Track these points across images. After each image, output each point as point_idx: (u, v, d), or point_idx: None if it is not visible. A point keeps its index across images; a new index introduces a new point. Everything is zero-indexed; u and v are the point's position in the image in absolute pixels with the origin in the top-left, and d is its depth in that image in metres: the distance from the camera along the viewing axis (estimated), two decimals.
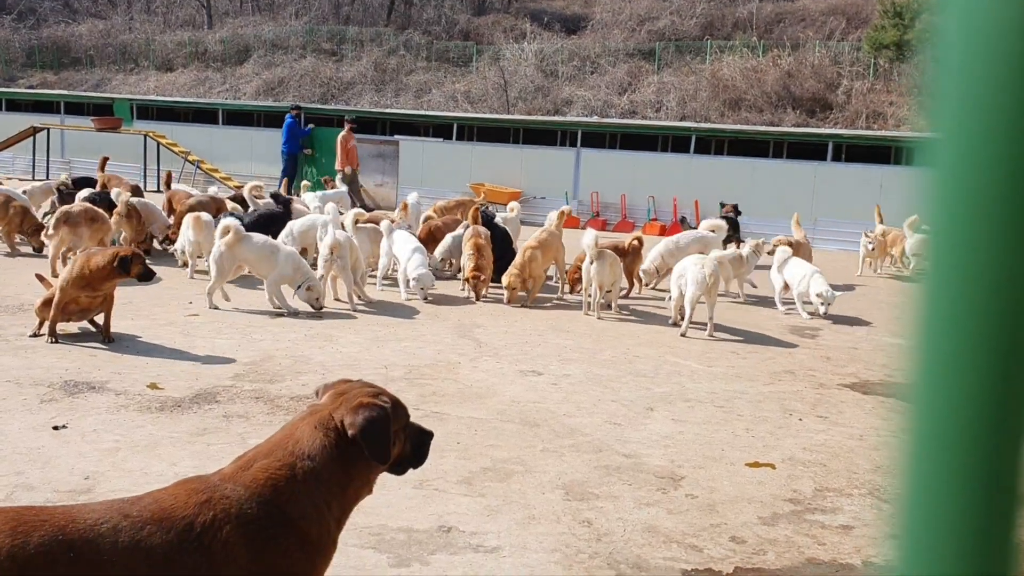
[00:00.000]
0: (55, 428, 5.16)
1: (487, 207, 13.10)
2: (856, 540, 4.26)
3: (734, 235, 15.06)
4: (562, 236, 10.86)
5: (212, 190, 14.49)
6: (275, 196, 12.89)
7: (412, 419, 2.67)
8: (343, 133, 19.70)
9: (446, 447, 5.05)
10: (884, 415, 6.45)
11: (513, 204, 14.04)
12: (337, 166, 19.44)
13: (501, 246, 10.90)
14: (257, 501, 2.23)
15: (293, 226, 10.92)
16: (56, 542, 1.98)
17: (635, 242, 10.87)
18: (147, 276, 7.19)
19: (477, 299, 10.08)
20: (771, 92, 25.91)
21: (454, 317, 9.17)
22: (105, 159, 14.64)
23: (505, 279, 9.91)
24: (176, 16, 40.35)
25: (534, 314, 9.59)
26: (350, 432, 2.38)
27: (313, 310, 8.87)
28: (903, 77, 25.14)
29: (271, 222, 11.20)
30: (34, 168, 23.11)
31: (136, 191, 13.00)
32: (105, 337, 7.28)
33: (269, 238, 9.42)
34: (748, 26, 31.07)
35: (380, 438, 2.41)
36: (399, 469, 2.63)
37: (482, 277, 10.04)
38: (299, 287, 8.81)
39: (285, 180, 19.71)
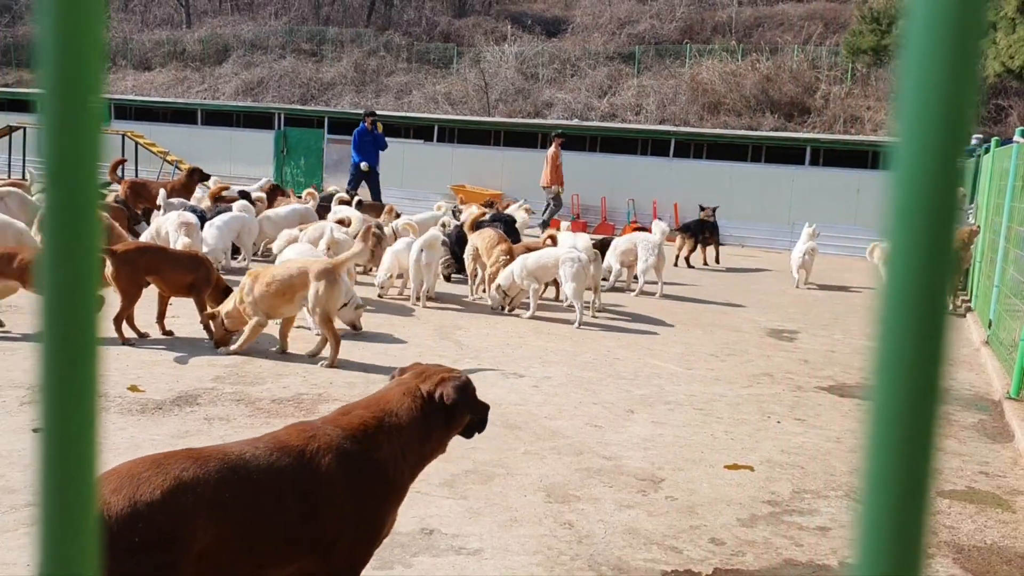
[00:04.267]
0: (35, 431, 5.13)
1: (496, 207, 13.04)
2: (833, 541, 4.32)
3: (712, 237, 15.20)
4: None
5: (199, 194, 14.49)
6: (243, 193, 12.97)
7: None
8: (552, 150, 18.17)
9: None
10: (861, 418, 6.53)
11: (440, 204, 14.07)
12: (543, 183, 18.14)
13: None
14: (351, 440, 2.85)
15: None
16: (225, 468, 2.61)
17: (548, 241, 10.83)
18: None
19: (512, 311, 9.81)
20: (750, 96, 26.10)
21: (435, 319, 9.19)
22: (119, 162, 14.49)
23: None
24: (154, 15, 40.08)
25: (515, 317, 9.63)
26: (447, 401, 3.03)
27: (353, 330, 8.27)
28: (881, 82, 25.39)
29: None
30: (10, 167, 22.91)
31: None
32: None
33: (312, 248, 8.79)
34: (727, 30, 31.28)
35: (471, 399, 3.14)
36: (468, 433, 3.26)
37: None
38: (343, 305, 8.03)
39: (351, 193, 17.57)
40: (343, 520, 2.79)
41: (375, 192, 18.06)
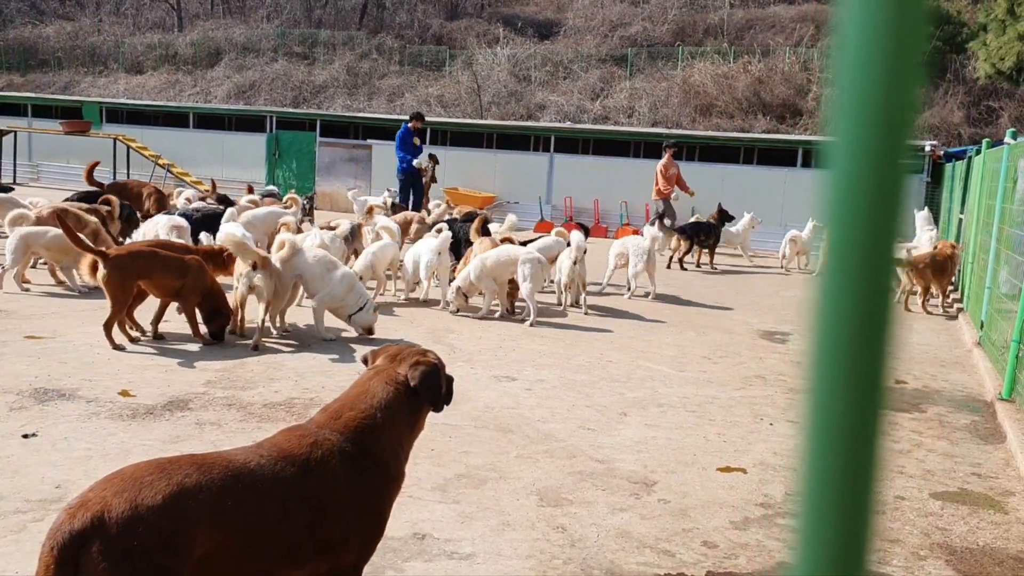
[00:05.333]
0: (25, 436, 5.11)
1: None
2: None
3: (708, 239, 15.21)
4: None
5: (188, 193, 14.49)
6: (221, 198, 13.05)
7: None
8: (665, 160, 17.26)
9: (420, 454, 5.05)
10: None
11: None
12: (655, 195, 17.25)
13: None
14: (351, 442, 2.89)
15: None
16: (229, 475, 2.61)
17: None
18: None
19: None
20: (742, 98, 26.14)
21: (428, 322, 9.17)
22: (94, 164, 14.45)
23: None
24: (146, 18, 39.98)
25: (507, 319, 9.62)
26: (412, 383, 3.07)
27: (365, 334, 8.25)
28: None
29: (215, 220, 11.26)
30: (0, 172, 22.80)
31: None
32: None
33: (327, 254, 8.50)
34: (719, 32, 31.33)
35: (434, 386, 3.12)
36: (438, 407, 3.24)
37: None
38: (359, 309, 8.09)
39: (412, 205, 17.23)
40: (351, 521, 2.83)
41: (418, 196, 17.83)
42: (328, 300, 8.07)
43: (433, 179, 19.07)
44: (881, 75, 0.53)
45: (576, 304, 10.36)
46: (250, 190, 15.72)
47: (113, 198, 11.96)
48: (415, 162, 17.74)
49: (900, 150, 0.54)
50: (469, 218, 12.46)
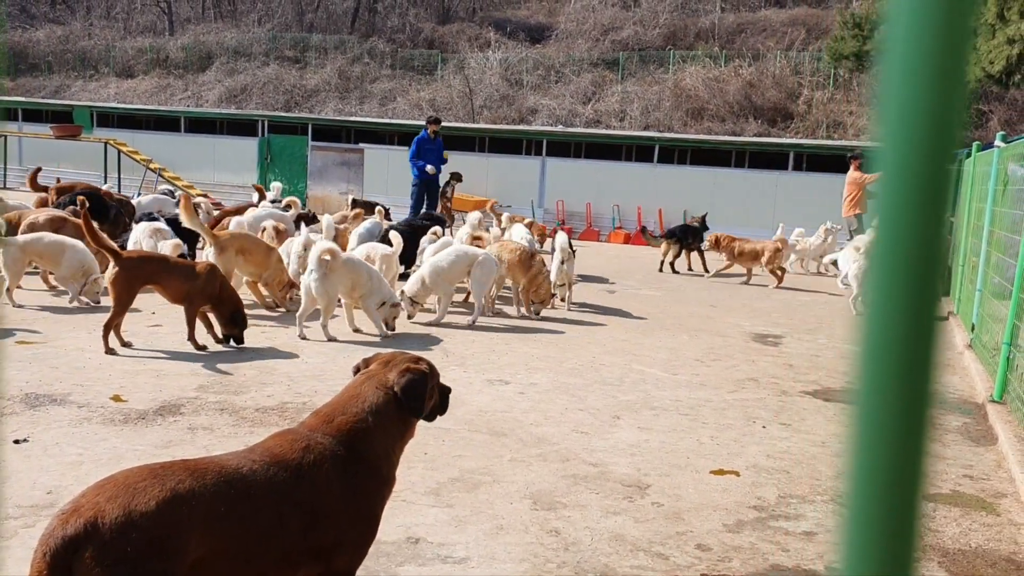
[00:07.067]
0: (16, 442, 5.09)
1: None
2: (819, 546, 4.33)
3: (696, 243, 15.24)
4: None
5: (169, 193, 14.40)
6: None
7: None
8: (853, 174, 15.78)
9: (413, 458, 5.05)
10: (845, 422, 6.55)
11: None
12: (846, 212, 15.89)
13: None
14: (343, 446, 2.89)
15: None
16: (222, 481, 2.60)
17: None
18: None
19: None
20: (733, 102, 26.22)
21: (419, 327, 9.16)
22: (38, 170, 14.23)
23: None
24: (137, 22, 39.90)
25: (500, 322, 9.62)
26: (396, 390, 3.06)
27: (388, 331, 8.59)
28: (863, 87, 25.55)
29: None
30: None
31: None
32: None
33: (359, 257, 8.79)
34: (710, 36, 31.42)
35: (418, 395, 3.10)
36: (430, 417, 3.29)
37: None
38: (381, 304, 8.46)
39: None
40: (343, 525, 2.84)
41: (432, 203, 16.96)
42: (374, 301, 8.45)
43: (449, 199, 18.46)
44: (928, 87, 0.54)
45: (562, 299, 10.72)
46: (260, 192, 15.43)
47: (83, 199, 11.96)
48: (428, 168, 16.79)
49: (946, 158, 0.55)
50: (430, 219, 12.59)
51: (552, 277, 10.39)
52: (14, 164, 24.57)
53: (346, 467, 2.87)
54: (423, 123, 18.72)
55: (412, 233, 11.52)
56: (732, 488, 5.05)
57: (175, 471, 2.59)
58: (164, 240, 9.97)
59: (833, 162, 19.28)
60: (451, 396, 3.53)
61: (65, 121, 24.50)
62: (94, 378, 6.54)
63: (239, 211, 12.60)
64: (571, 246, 10.74)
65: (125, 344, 7.54)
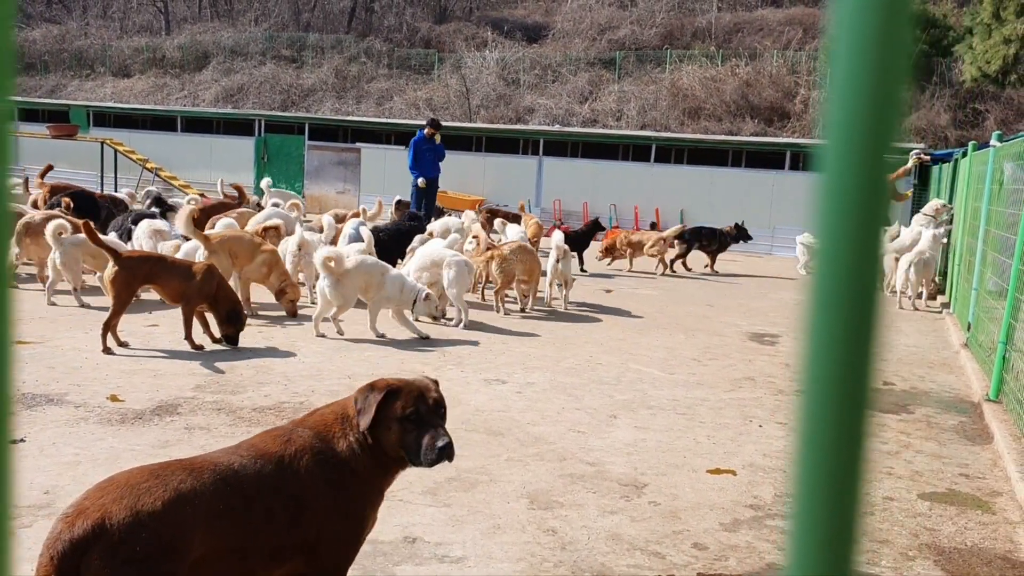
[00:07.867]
0: (12, 442, 5.08)
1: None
2: None
3: (709, 245, 15.22)
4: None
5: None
6: (158, 201, 13.18)
7: (440, 427, 3.04)
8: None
9: None
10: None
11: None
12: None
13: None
14: (318, 438, 2.93)
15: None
16: (218, 479, 2.65)
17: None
18: None
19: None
20: (730, 101, 26.24)
21: (418, 325, 9.15)
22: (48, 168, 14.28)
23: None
24: (133, 22, 39.85)
25: (499, 322, 9.62)
26: (356, 408, 3.00)
27: (433, 319, 8.95)
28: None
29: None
30: None
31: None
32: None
33: (379, 260, 8.92)
34: (707, 36, 31.43)
35: (365, 408, 2.97)
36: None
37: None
38: (414, 303, 8.57)
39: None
40: (324, 519, 2.86)
41: (429, 207, 16.16)
42: (383, 302, 8.60)
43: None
44: (868, 77, 0.54)
45: (556, 298, 10.85)
46: (240, 192, 15.45)
47: (67, 200, 11.96)
48: (419, 181, 16.05)
49: (885, 151, 0.55)
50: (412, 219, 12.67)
51: (548, 276, 10.48)
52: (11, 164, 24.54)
53: (324, 460, 2.89)
54: (420, 123, 18.35)
55: (397, 234, 11.54)
56: (728, 487, 5.06)
57: (175, 471, 2.61)
58: (164, 241, 10.01)
59: None
60: (448, 396, 3.37)
61: (61, 120, 24.46)
62: (91, 378, 6.54)
63: (224, 207, 12.67)
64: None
65: (122, 344, 7.54)
